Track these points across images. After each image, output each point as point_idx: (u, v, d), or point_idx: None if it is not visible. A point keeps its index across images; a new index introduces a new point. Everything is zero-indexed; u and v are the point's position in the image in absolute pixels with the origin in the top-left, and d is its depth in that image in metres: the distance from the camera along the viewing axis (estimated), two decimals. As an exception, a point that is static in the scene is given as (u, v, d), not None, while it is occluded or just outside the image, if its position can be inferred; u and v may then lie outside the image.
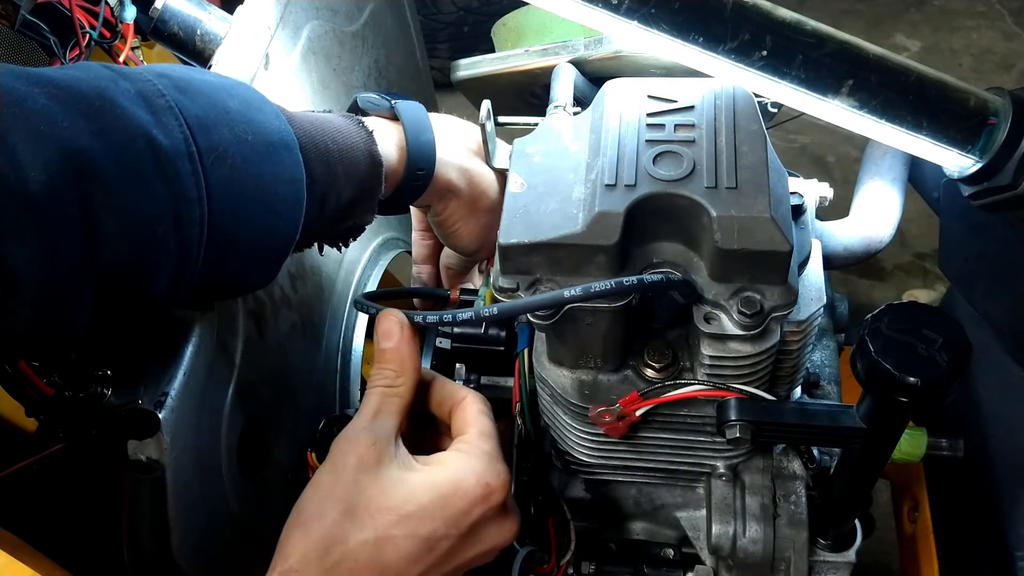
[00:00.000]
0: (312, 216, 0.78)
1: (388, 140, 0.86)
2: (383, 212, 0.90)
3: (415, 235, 1.10)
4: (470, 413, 0.78)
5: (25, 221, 0.58)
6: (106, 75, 0.66)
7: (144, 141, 0.64)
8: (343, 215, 0.84)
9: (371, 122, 0.86)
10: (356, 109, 0.91)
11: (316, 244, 0.90)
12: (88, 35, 0.96)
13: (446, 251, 1.07)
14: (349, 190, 0.82)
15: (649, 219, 0.74)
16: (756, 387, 0.80)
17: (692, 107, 0.80)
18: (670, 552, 0.95)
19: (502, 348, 0.97)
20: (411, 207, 1.06)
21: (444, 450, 0.76)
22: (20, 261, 0.58)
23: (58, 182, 0.59)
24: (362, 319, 1.19)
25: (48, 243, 0.59)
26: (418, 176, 0.89)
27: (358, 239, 1.19)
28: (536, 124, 0.89)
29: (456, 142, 0.93)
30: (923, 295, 2.27)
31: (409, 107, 0.90)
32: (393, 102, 0.90)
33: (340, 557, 0.66)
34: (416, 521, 0.68)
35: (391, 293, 1.04)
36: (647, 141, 0.77)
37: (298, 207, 0.76)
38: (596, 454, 0.90)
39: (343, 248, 0.91)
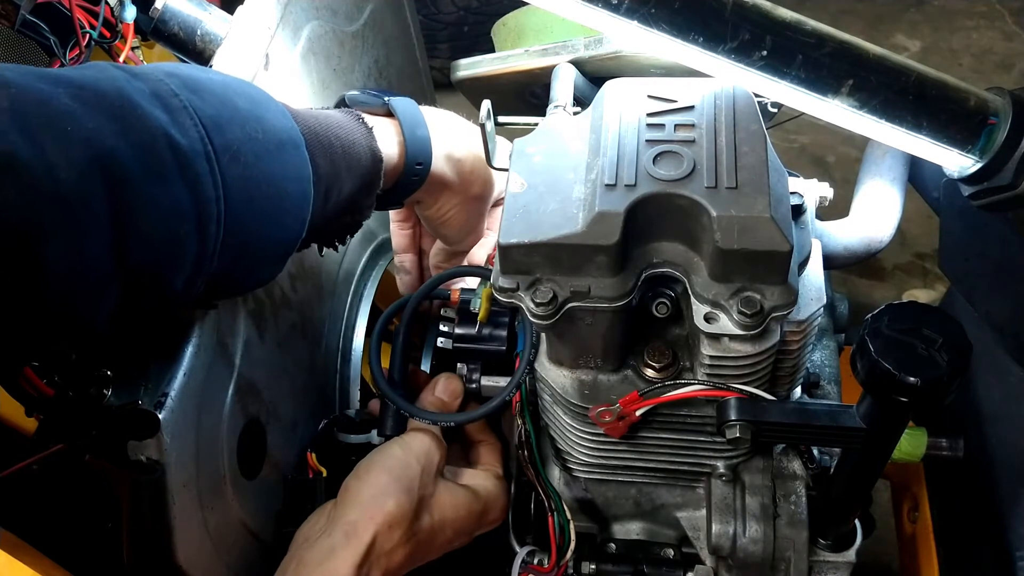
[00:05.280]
0: (316, 210, 0.79)
1: (386, 135, 0.87)
2: (380, 207, 0.90)
3: (393, 227, 1.11)
4: (497, 450, 1.01)
5: (57, 220, 0.58)
6: (120, 75, 0.66)
7: (165, 141, 0.64)
8: (343, 209, 0.85)
9: (369, 119, 0.87)
10: (345, 108, 0.92)
11: (316, 246, 0.90)
12: (88, 35, 0.96)
13: (434, 252, 1.08)
14: (350, 184, 0.83)
15: (649, 219, 0.74)
16: (756, 387, 0.80)
17: (692, 107, 0.80)
18: (670, 552, 0.95)
19: (502, 349, 0.97)
20: None
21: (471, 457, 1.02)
22: (51, 260, 0.58)
23: (87, 182, 0.60)
24: (362, 319, 1.19)
25: (78, 242, 0.60)
26: (416, 171, 0.90)
27: (358, 241, 1.20)
28: (536, 124, 0.89)
29: (445, 133, 0.94)
30: (923, 295, 2.27)
31: (403, 103, 0.92)
32: (386, 99, 0.91)
33: (418, 527, 0.88)
34: (460, 523, 0.92)
35: (402, 304, 1.04)
36: (647, 141, 0.77)
37: (305, 203, 0.76)
38: (596, 454, 0.90)
39: (339, 247, 0.91)
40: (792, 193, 0.81)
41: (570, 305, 0.76)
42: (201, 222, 0.67)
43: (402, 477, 0.88)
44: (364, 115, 0.87)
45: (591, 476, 0.94)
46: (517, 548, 0.96)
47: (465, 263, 1.06)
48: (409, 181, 0.91)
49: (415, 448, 0.91)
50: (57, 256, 0.59)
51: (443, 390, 0.97)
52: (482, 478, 0.96)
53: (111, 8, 0.98)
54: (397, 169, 0.89)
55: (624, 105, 0.82)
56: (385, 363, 0.99)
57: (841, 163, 2.55)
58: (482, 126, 0.87)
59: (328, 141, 0.80)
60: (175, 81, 0.69)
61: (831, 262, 1.09)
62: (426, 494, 0.89)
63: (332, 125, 0.82)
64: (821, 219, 1.07)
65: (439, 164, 0.92)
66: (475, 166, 0.97)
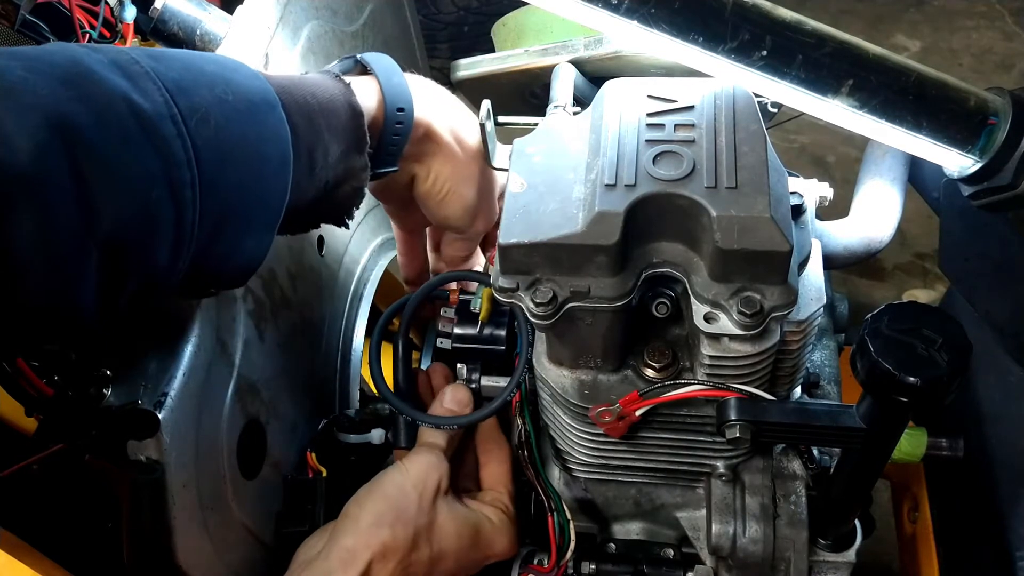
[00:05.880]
0: (302, 176, 0.77)
1: (364, 89, 0.85)
2: (375, 170, 0.88)
3: (401, 259, 1.09)
4: (505, 470, 0.97)
5: (19, 196, 0.57)
6: (78, 48, 0.66)
7: (125, 106, 0.63)
8: (337, 178, 0.83)
9: (346, 77, 0.85)
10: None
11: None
12: (88, 35, 0.96)
13: (445, 242, 1.05)
14: (335, 145, 0.81)
15: (649, 219, 0.74)
16: (756, 387, 0.80)
17: (692, 107, 0.80)
18: (670, 552, 0.95)
19: (502, 349, 0.97)
20: (394, 228, 1.06)
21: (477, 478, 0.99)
22: (19, 240, 0.57)
23: (46, 151, 0.58)
24: (362, 319, 1.19)
25: (45, 216, 0.58)
26: (399, 117, 0.87)
27: (358, 240, 1.20)
28: (536, 124, 0.89)
29: (432, 93, 0.92)
30: (923, 295, 2.27)
31: (376, 56, 0.90)
32: (358, 56, 0.89)
33: (415, 558, 0.86)
34: (462, 553, 0.90)
35: (401, 305, 1.03)
36: (647, 141, 0.77)
37: (285, 165, 0.75)
38: (596, 454, 0.90)
39: (347, 222, 0.89)
40: (792, 193, 0.81)
41: (570, 305, 0.76)
42: (173, 186, 0.65)
43: (399, 506, 0.87)
44: (342, 74, 0.85)
45: (591, 476, 0.94)
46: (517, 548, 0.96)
47: (481, 257, 1.04)
48: (393, 129, 0.87)
49: (413, 474, 0.89)
50: (24, 232, 0.57)
51: (451, 400, 0.96)
52: (489, 510, 0.93)
53: (111, 8, 0.98)
54: (379, 120, 0.86)
55: (624, 105, 0.82)
56: (385, 364, 0.99)
57: (841, 163, 2.55)
58: (482, 126, 0.87)
59: (304, 100, 0.78)
60: (137, 52, 0.67)
61: (831, 262, 1.09)
62: (424, 523, 0.87)
63: (307, 85, 0.80)
64: (821, 219, 1.07)
65: (427, 115, 0.90)
66: (467, 123, 0.93)
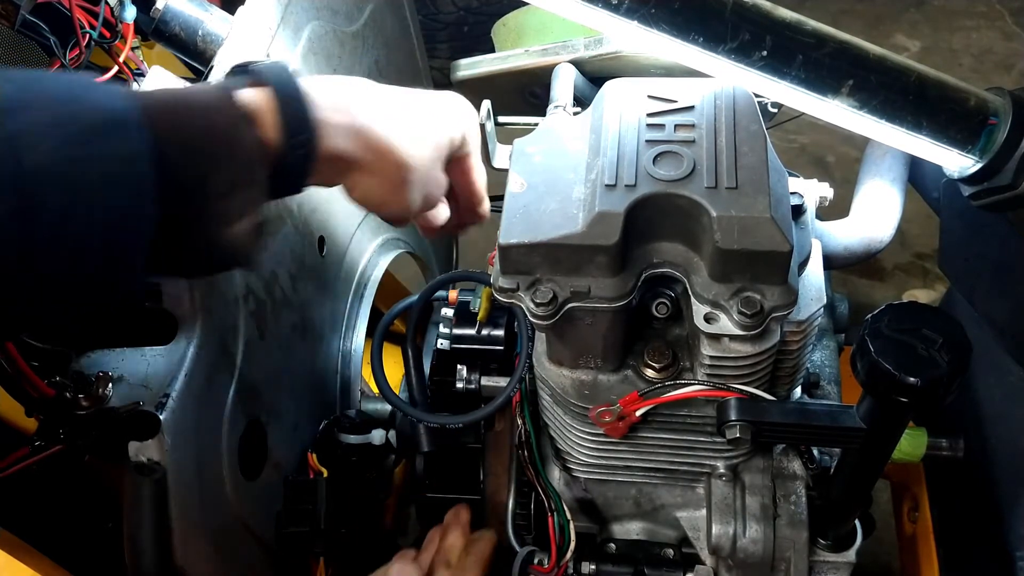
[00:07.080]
0: (175, 202, 0.69)
1: (260, 111, 0.75)
2: (277, 194, 0.78)
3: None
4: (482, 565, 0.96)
5: None
6: None
7: None
8: (227, 210, 0.73)
9: (242, 94, 0.75)
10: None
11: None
12: (88, 35, 0.96)
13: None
14: (226, 173, 0.72)
15: (649, 219, 0.74)
16: (756, 387, 0.80)
17: (692, 107, 0.80)
18: (670, 552, 0.95)
19: (501, 349, 0.97)
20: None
21: None
22: None
23: None
24: (362, 319, 1.19)
25: None
26: (301, 143, 0.77)
27: (359, 240, 1.20)
28: (536, 124, 0.89)
29: (339, 102, 0.80)
30: (923, 295, 2.27)
31: (272, 68, 0.79)
32: (251, 66, 0.79)
33: None
34: None
35: (401, 308, 1.03)
36: (647, 141, 0.77)
37: (139, 186, 0.67)
38: (596, 454, 0.90)
39: (252, 261, 0.79)
40: (792, 193, 0.81)
41: (570, 305, 0.76)
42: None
43: None
44: (235, 92, 0.75)
45: (591, 476, 0.94)
46: (517, 548, 0.96)
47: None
48: (295, 156, 0.77)
49: None
50: None
51: (452, 518, 0.99)
52: None
53: (111, 8, 0.98)
54: (275, 144, 0.75)
55: (624, 105, 0.82)
56: (387, 367, 0.99)
57: (841, 163, 2.55)
58: (482, 126, 0.87)
59: (181, 123, 0.71)
60: None
61: (831, 262, 1.09)
62: None
63: (193, 105, 0.73)
64: (821, 219, 1.07)
65: (333, 138, 0.79)
66: (385, 132, 0.81)
